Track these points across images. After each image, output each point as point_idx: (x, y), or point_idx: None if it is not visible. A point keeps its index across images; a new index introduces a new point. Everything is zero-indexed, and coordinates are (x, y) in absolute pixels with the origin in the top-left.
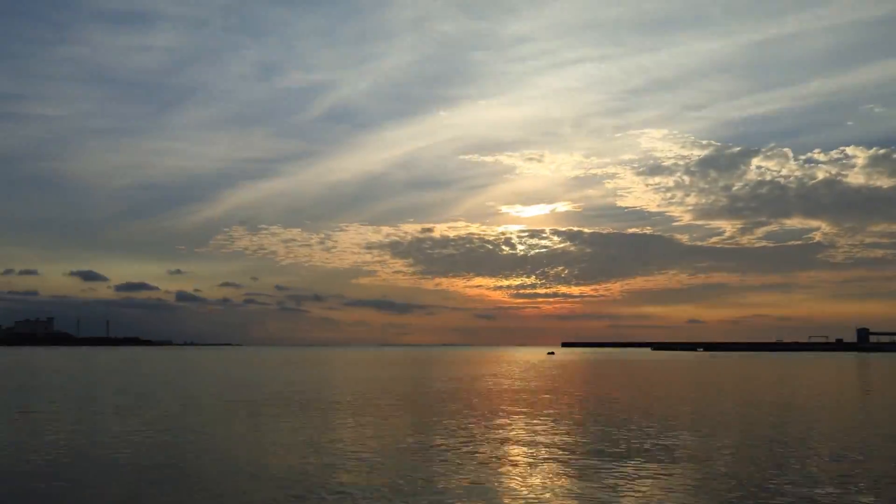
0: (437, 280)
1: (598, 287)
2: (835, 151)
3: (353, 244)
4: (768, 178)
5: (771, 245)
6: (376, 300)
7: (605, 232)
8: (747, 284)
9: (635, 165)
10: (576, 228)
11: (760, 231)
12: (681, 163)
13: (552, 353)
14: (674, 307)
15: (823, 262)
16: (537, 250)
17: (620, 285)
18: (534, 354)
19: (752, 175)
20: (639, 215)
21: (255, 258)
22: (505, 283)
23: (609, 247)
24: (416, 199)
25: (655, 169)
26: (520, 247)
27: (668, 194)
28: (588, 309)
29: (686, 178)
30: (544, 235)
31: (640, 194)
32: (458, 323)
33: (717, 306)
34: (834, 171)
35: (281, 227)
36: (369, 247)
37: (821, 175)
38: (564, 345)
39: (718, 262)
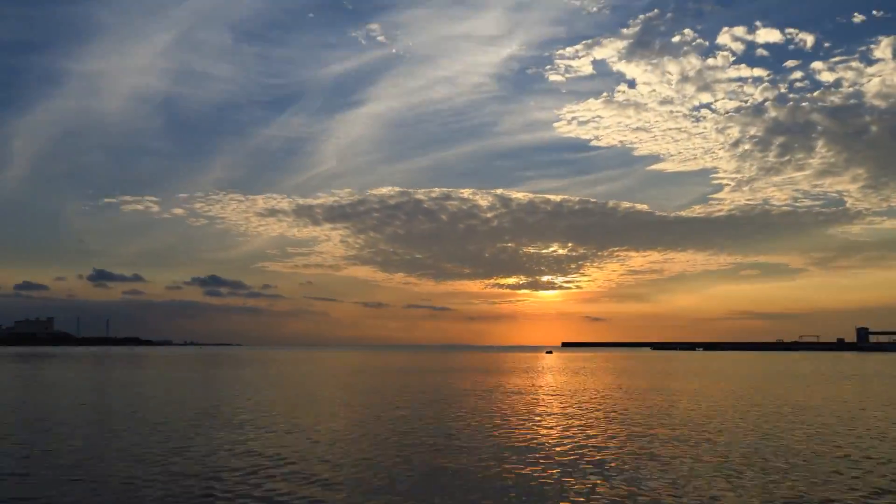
0: (364, 268)
1: (571, 277)
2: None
3: (235, 217)
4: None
5: (777, 211)
6: (309, 293)
7: (556, 198)
8: (745, 275)
9: (553, 41)
10: (503, 191)
11: (756, 193)
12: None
13: (550, 352)
14: (667, 299)
15: (836, 238)
16: (467, 222)
17: (597, 272)
18: (543, 356)
19: (738, 73)
20: (590, 163)
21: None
22: (450, 266)
23: (560, 217)
24: (260, 140)
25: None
26: (442, 215)
27: (619, 112)
28: (572, 300)
29: (638, 84)
30: (465, 198)
31: (578, 111)
32: (413, 318)
33: (712, 298)
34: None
35: (119, 197)
36: (249, 223)
37: (830, 78)
38: (565, 345)
39: (710, 239)
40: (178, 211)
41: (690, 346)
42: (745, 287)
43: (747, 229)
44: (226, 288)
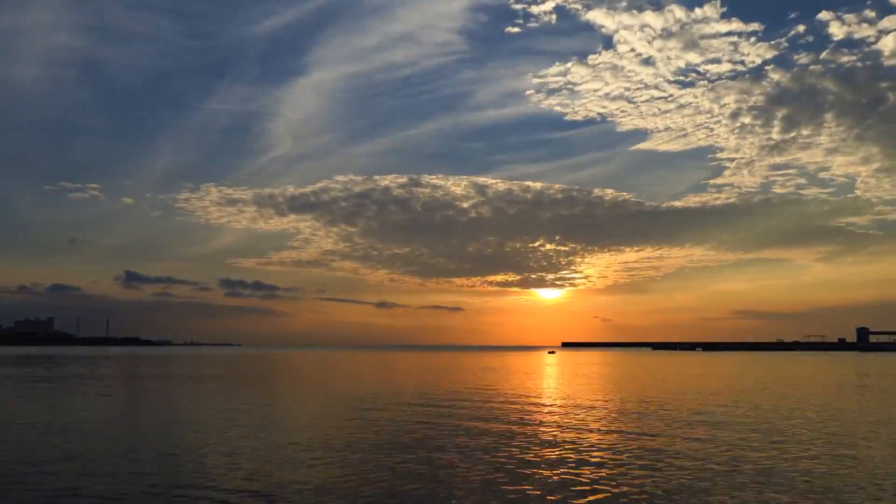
0: (346, 263)
1: (562, 274)
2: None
3: (191, 207)
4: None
5: (777, 198)
6: (305, 293)
7: (536, 185)
8: (746, 272)
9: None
10: (476, 177)
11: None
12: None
13: (552, 352)
14: (666, 298)
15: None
16: (443, 213)
17: (590, 269)
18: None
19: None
20: (568, 143)
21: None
22: (433, 262)
23: (542, 207)
24: (203, 117)
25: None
26: (415, 205)
27: (594, 76)
28: (567, 298)
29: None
30: (436, 184)
31: (548, 76)
32: (411, 317)
33: (712, 296)
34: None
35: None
36: (208, 214)
37: (839, 32)
38: (565, 345)
39: (707, 232)
40: (128, 200)
41: (690, 346)
42: (745, 285)
43: (747, 221)
44: (224, 288)
